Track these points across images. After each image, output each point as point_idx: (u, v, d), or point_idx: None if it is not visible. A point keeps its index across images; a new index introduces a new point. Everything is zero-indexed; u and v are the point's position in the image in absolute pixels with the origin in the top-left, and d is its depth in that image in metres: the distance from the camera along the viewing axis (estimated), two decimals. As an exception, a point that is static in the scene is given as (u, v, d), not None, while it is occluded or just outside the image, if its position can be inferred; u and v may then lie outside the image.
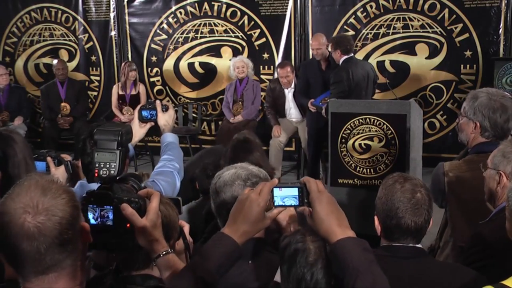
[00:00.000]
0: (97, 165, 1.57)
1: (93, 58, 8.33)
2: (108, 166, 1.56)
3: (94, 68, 8.37)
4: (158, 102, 2.71)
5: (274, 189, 1.56)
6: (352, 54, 5.93)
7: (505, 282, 1.64)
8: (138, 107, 2.72)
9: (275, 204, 1.57)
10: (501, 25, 6.59)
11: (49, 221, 1.28)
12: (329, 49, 6.02)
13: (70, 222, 1.32)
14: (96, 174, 1.56)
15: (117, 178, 1.65)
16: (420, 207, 2.11)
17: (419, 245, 2.16)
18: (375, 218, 2.20)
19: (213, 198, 2.25)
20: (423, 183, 2.20)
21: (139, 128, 2.69)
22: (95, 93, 8.43)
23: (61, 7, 8.35)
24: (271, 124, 6.90)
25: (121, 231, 1.54)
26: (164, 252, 1.60)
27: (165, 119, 2.69)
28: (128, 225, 1.54)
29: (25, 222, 1.27)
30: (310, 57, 7.19)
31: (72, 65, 8.31)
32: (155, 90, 8.11)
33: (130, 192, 1.64)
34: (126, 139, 1.63)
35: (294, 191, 1.55)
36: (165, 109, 2.69)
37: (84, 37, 8.32)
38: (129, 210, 1.54)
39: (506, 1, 6.52)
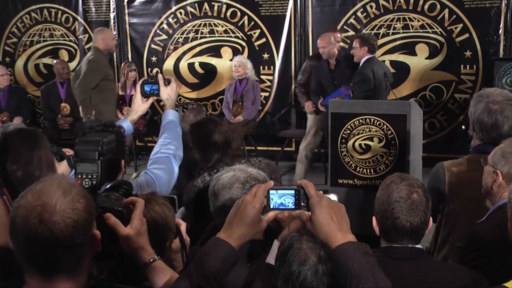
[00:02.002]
0: (79, 176, 1.58)
1: (93, 58, 8.29)
2: (90, 176, 1.58)
3: (94, 69, 8.33)
4: (160, 75, 2.67)
5: (270, 191, 1.55)
6: (374, 55, 5.84)
7: (507, 285, 1.63)
8: (140, 81, 2.68)
9: (271, 207, 1.55)
10: (501, 25, 6.59)
11: (64, 222, 1.30)
12: (354, 45, 5.86)
13: (84, 227, 1.34)
14: None
15: (110, 186, 1.65)
16: (416, 208, 2.08)
17: (418, 246, 2.13)
18: (373, 218, 2.18)
19: (211, 201, 2.24)
20: (421, 183, 2.17)
21: (142, 103, 2.66)
22: (95, 94, 8.39)
23: (61, 8, 8.34)
24: (301, 105, 6.65)
25: (105, 240, 1.52)
26: (150, 260, 1.59)
27: (167, 92, 2.64)
28: (112, 234, 1.55)
29: (41, 219, 1.29)
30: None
31: (72, 65, 8.26)
32: (155, 90, 8.06)
33: (118, 200, 1.64)
34: (107, 148, 1.63)
35: (291, 194, 1.53)
36: (167, 82, 2.64)
37: (84, 37, 8.31)
38: (112, 219, 1.55)
39: (506, 1, 6.53)
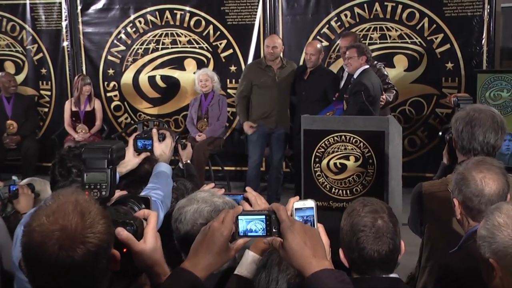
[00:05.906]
0: (87, 186, 1.56)
1: (43, 71, 8.22)
2: (99, 186, 1.56)
3: (45, 82, 8.25)
4: (154, 131, 2.75)
5: (239, 217, 1.53)
6: (369, 66, 5.79)
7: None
8: (133, 135, 2.75)
9: (240, 234, 1.53)
10: (484, 35, 6.70)
11: (85, 248, 1.31)
12: (349, 54, 5.72)
13: (105, 251, 1.36)
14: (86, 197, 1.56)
15: (116, 200, 1.65)
16: (382, 236, 2.07)
17: (393, 275, 2.12)
18: (340, 251, 2.16)
19: (175, 234, 2.27)
20: (387, 207, 2.17)
21: (133, 157, 2.71)
22: (46, 110, 8.32)
23: (7, 15, 8.23)
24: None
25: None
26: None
27: (161, 149, 2.74)
28: (124, 249, 1.52)
29: (61, 246, 1.29)
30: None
31: (19, 78, 8.18)
32: (112, 106, 8.03)
33: (127, 214, 1.62)
34: (117, 156, 1.62)
35: (261, 220, 1.51)
36: (161, 138, 2.74)
37: (32, 48, 8.21)
38: (125, 234, 1.51)
39: (488, 10, 6.63)
